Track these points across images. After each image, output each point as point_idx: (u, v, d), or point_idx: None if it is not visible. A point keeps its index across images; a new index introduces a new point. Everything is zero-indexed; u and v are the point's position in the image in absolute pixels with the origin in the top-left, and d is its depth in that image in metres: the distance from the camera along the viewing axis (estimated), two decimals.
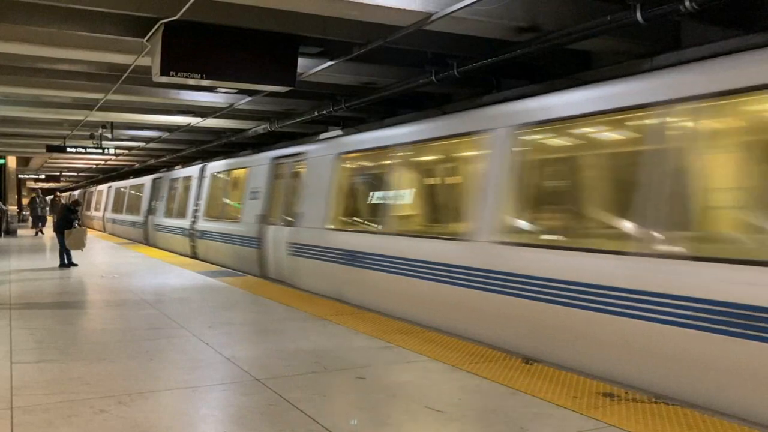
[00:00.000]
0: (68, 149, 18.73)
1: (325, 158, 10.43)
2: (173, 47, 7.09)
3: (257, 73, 7.66)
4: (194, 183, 17.21)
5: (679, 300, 4.81)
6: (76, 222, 13.71)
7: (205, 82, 7.61)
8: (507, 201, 6.64)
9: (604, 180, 6.39)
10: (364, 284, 8.68)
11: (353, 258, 8.89)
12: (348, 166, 10.02)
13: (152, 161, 26.21)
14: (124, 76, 9.55)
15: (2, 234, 24.47)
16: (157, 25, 6.94)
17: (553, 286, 5.84)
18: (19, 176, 35.66)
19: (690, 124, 5.17)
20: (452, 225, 7.83)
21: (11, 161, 28.80)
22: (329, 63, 8.50)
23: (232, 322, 7.68)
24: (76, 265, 13.51)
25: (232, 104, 11.95)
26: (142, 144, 20.20)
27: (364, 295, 8.66)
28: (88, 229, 15.45)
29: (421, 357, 5.83)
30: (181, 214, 17.78)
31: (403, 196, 8.66)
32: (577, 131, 6.42)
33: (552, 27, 6.55)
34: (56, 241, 13.85)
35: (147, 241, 21.38)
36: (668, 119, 5.23)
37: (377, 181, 9.29)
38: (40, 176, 41.54)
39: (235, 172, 14.87)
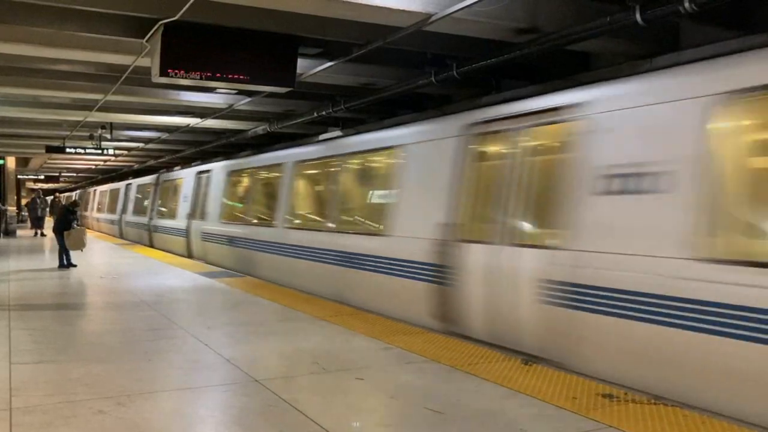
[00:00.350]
0: (67, 150, 18.70)
1: (220, 174, 15.69)
2: (173, 48, 7.08)
3: (257, 74, 7.65)
4: (152, 189, 21.94)
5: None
6: (75, 222, 13.71)
7: (204, 83, 7.61)
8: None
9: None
10: (236, 256, 13.72)
11: (231, 240, 14.09)
12: (233, 179, 15.17)
13: (152, 162, 26.21)
14: (123, 77, 9.54)
15: (1, 235, 24.46)
16: (157, 26, 6.93)
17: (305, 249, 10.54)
18: (19, 177, 35.65)
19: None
20: (271, 217, 12.63)
21: (10, 162, 28.78)
22: (329, 64, 8.49)
23: (231, 322, 7.68)
24: (75, 265, 13.51)
25: (232, 105, 11.95)
26: (141, 145, 20.19)
27: (235, 264, 13.60)
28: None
29: (420, 357, 5.83)
30: (143, 213, 22.61)
31: (257, 200, 14.06)
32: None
33: (551, 28, 6.55)
34: (55, 242, 13.85)
35: (121, 235, 26.05)
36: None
37: (246, 191, 14.62)
38: (39, 177, 41.51)
39: (176, 180, 19.42)
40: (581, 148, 5.87)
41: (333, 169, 10.91)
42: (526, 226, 6.59)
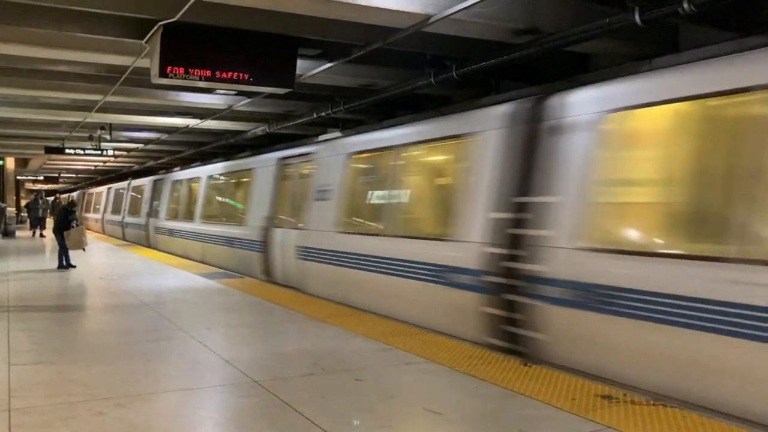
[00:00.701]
0: (67, 151, 18.70)
1: (167, 181, 20.59)
2: (172, 48, 7.09)
3: (256, 75, 7.65)
4: (125, 192, 27.07)
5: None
6: (74, 222, 13.70)
7: (203, 84, 7.61)
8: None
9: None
10: (176, 245, 18.24)
11: (171, 233, 18.82)
12: (176, 186, 19.58)
13: (151, 163, 26.21)
14: (122, 78, 9.54)
15: (0, 235, 24.44)
16: (156, 27, 6.93)
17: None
18: (18, 177, 35.62)
19: None
20: (191, 214, 17.37)
21: (10, 162, 28.77)
22: (328, 65, 8.50)
23: (230, 323, 7.68)
24: (74, 266, 13.50)
25: (231, 106, 11.95)
26: (140, 145, 20.19)
27: (171, 249, 18.49)
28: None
29: (419, 359, 5.83)
30: (118, 212, 27.54)
31: (185, 202, 18.42)
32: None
33: (551, 29, 6.56)
34: (55, 243, 13.84)
35: (103, 231, 30.93)
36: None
37: (186, 196, 18.59)
38: (38, 177, 41.47)
39: (141, 186, 24.27)
40: (313, 175, 10.77)
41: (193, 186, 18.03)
42: (296, 218, 11.24)
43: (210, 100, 11.52)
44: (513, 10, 6.35)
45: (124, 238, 25.60)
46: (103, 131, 16.36)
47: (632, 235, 5.85)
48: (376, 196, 9.44)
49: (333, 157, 10.12)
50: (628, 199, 5.97)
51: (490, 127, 6.91)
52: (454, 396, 4.78)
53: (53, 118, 14.27)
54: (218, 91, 10.51)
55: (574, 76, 7.92)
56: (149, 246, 21.01)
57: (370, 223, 9.35)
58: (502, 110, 6.88)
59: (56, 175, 40.19)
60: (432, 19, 6.33)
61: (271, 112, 12.89)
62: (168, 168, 25.31)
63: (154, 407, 4.54)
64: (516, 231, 6.26)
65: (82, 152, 18.70)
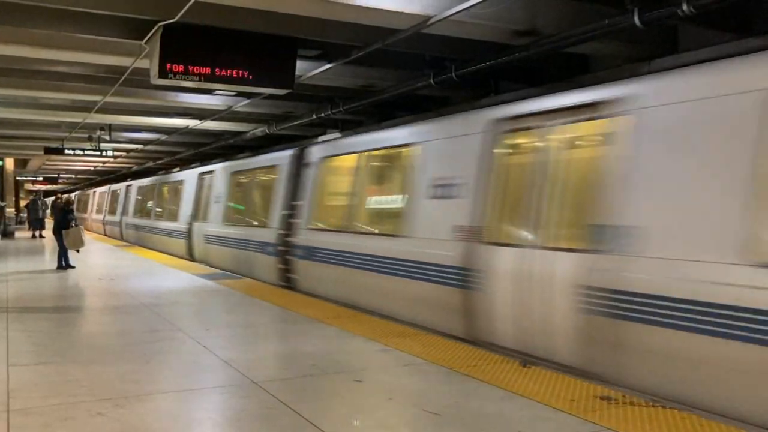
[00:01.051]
0: (66, 151, 18.71)
1: (133, 188, 25.66)
2: (172, 49, 7.09)
3: (256, 76, 7.65)
4: (106, 195, 31.74)
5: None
6: (73, 222, 13.70)
7: (203, 85, 7.61)
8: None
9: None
10: (137, 236, 22.83)
11: (136, 228, 23.45)
12: (139, 191, 24.59)
13: (150, 163, 26.21)
14: (122, 79, 9.54)
15: (0, 236, 24.41)
16: (156, 28, 6.94)
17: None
18: (17, 178, 35.58)
19: None
20: (147, 213, 23.06)
21: (9, 163, 28.74)
22: (328, 65, 8.50)
23: (229, 324, 7.67)
24: (73, 267, 13.49)
25: (231, 107, 11.95)
26: (140, 146, 20.19)
27: (136, 240, 23.08)
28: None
29: (418, 360, 5.83)
30: (101, 212, 32.35)
31: (150, 204, 22.71)
32: None
33: (550, 30, 6.56)
34: (54, 244, 13.83)
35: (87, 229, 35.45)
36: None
37: (144, 199, 23.78)
38: (38, 178, 41.45)
39: (118, 191, 28.96)
40: (127, 194, 25.18)
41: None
42: (128, 212, 25.07)
43: (209, 101, 11.52)
44: (513, 12, 6.35)
45: (104, 233, 29.74)
46: (102, 132, 16.36)
47: (330, 221, 10.57)
48: (235, 202, 14.98)
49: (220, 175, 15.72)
50: (329, 203, 10.95)
51: (284, 162, 12.11)
52: (453, 397, 4.77)
53: (52, 118, 14.27)
54: (217, 92, 10.51)
55: (574, 77, 7.93)
56: (122, 239, 24.98)
57: (238, 218, 14.59)
58: (289, 152, 12.09)
59: (56, 175, 40.17)
60: (431, 20, 6.33)
61: (270, 113, 12.89)
62: (167, 169, 25.32)
63: (153, 408, 4.54)
64: (290, 220, 11.30)
65: (81, 153, 18.71)
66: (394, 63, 8.73)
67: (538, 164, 6.40)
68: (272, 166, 12.73)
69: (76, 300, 9.88)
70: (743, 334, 4.37)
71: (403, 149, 8.77)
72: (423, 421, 4.31)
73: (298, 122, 12.41)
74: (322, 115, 11.20)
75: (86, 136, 17.19)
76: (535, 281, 6.08)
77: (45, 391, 4.87)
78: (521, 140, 7.04)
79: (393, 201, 9.23)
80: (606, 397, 4.73)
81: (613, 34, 6.05)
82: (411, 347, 6.30)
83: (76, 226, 13.75)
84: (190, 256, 16.50)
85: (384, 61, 8.54)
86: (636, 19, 5.59)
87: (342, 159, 10.51)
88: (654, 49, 6.97)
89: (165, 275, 12.64)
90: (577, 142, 6.32)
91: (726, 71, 4.92)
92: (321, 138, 13.15)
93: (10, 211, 27.67)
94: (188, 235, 16.81)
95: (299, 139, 15.29)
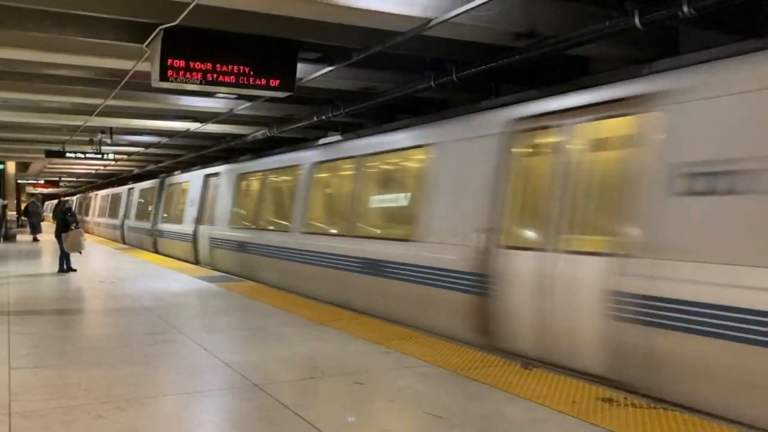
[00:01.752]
0: (67, 154, 18.73)
1: (121, 194, 28.04)
2: (172, 52, 7.09)
3: (256, 79, 7.65)
4: (93, 199, 36.51)
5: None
6: (73, 224, 13.71)
7: (204, 88, 7.61)
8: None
9: None
10: (115, 234, 28.01)
11: (131, 229, 24.88)
12: (141, 194, 25.08)
13: (152, 166, 26.22)
14: (123, 82, 9.55)
15: (1, 239, 24.41)
16: (157, 31, 6.94)
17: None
18: (19, 181, 35.60)
19: None
20: (115, 215, 28.89)
21: (10, 166, 28.76)
22: (328, 68, 8.50)
23: (230, 327, 7.67)
24: (74, 270, 13.50)
25: (232, 109, 11.96)
26: (141, 149, 20.20)
27: (109, 237, 28.88)
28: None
29: (419, 362, 5.82)
30: (88, 214, 36.78)
31: (131, 209, 25.97)
32: None
33: (550, 32, 6.56)
34: (55, 246, 13.84)
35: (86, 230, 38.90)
36: None
37: (146, 202, 24.22)
38: (39, 181, 41.49)
39: (100, 195, 34.16)
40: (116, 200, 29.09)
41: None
42: (130, 216, 26.39)
43: (210, 104, 11.53)
44: (513, 14, 6.35)
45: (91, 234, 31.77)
46: (103, 135, 16.36)
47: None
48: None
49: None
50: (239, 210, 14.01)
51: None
52: (455, 399, 4.77)
53: (54, 121, 14.27)
54: (218, 95, 10.51)
55: (574, 79, 7.92)
56: (123, 242, 26.44)
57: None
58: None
59: (57, 178, 40.23)
60: (432, 23, 6.33)
61: (271, 116, 12.89)
62: (168, 172, 25.31)
63: (154, 410, 4.54)
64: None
65: (82, 156, 18.72)
66: (395, 65, 8.73)
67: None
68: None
69: (78, 303, 9.88)
70: None
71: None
72: (425, 423, 4.31)
73: (299, 125, 12.42)
74: (323, 117, 11.20)
75: (87, 139, 17.20)
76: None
77: (46, 394, 4.87)
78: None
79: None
80: (607, 399, 4.72)
81: (613, 35, 6.04)
82: (412, 349, 6.30)
83: (77, 228, 13.76)
84: (195, 260, 16.45)
85: (384, 63, 8.54)
86: (636, 21, 5.58)
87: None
88: (654, 50, 6.97)
89: (165, 278, 12.64)
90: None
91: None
92: (321, 140, 13.18)
93: (11, 213, 27.67)
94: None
95: (300, 142, 15.30)
